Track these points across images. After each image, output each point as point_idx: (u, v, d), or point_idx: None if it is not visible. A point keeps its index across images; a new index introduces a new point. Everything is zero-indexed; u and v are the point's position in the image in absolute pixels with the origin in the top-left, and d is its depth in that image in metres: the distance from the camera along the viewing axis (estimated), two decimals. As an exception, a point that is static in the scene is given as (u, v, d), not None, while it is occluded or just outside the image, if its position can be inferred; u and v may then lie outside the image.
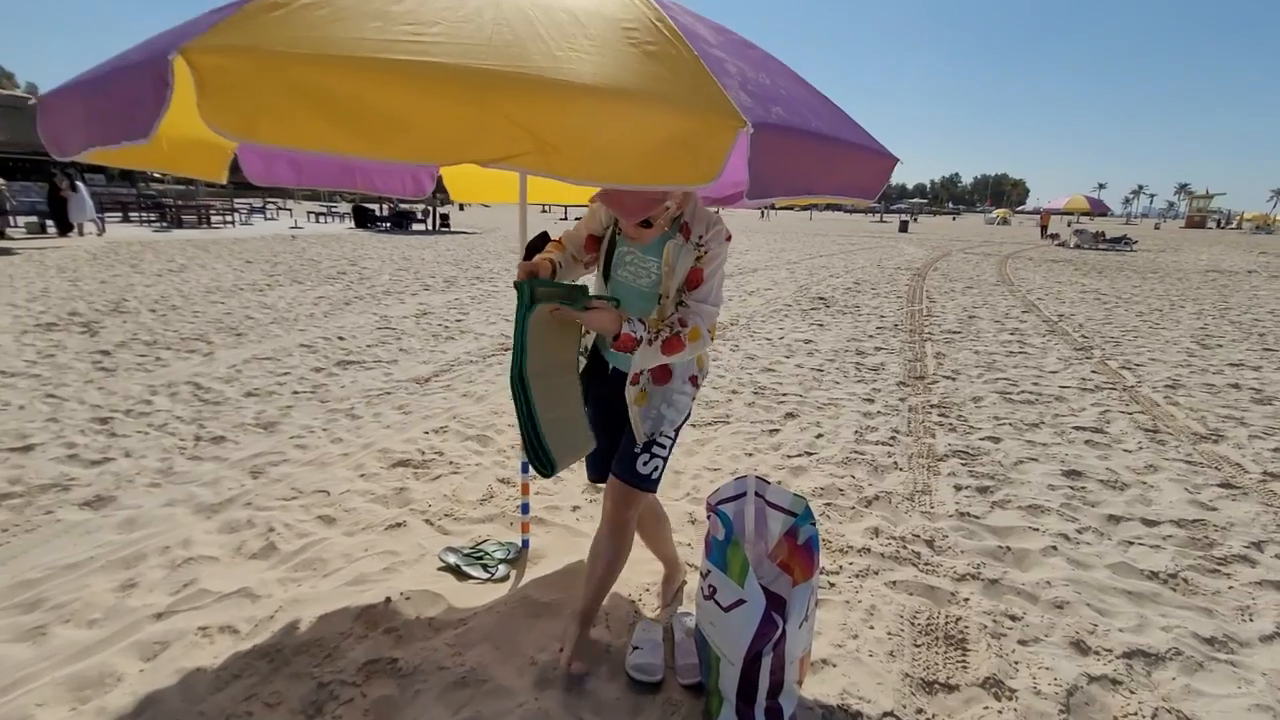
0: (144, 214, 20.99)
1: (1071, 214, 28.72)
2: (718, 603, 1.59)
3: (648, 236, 1.71)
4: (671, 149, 1.23)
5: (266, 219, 24.82)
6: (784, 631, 1.51)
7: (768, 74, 1.66)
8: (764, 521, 1.78)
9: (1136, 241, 24.10)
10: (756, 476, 1.81)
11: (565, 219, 33.24)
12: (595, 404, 1.89)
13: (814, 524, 1.67)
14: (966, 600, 2.27)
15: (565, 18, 1.35)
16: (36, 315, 6.39)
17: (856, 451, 3.60)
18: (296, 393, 4.33)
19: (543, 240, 1.93)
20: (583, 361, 1.93)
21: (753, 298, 9.26)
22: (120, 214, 20.65)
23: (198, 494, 2.87)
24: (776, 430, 3.93)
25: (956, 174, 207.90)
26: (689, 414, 1.88)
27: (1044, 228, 28.70)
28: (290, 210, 30.52)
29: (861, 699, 1.79)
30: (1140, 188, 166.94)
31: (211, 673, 1.82)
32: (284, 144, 1.14)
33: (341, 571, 2.34)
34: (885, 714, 1.74)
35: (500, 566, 2.38)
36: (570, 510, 2.84)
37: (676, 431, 1.85)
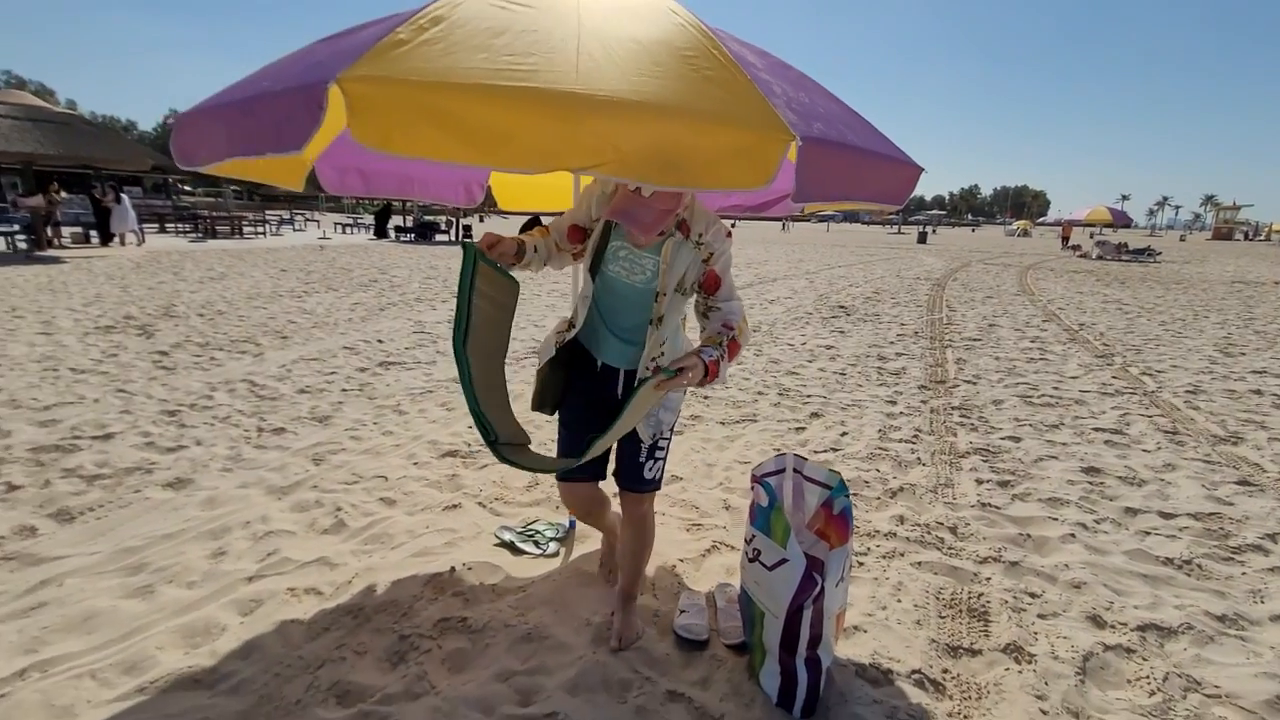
0: (179, 225, 21.74)
1: (1094, 225, 28.51)
2: (762, 563, 1.77)
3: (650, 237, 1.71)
4: (731, 158, 1.44)
5: (295, 230, 25.51)
6: (823, 588, 1.69)
7: (806, 93, 1.87)
8: (801, 494, 1.95)
9: (1160, 253, 23.89)
10: (794, 454, 1.99)
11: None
12: (581, 398, 1.93)
13: (848, 496, 1.84)
14: (988, 579, 2.42)
15: (636, 48, 1.57)
16: (94, 319, 6.76)
17: (880, 448, 3.76)
18: (345, 390, 4.59)
19: (534, 224, 2.03)
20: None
21: (774, 306, 9.43)
22: (157, 225, 21.39)
23: (267, 478, 3.11)
24: (802, 428, 4.10)
25: (976, 185, 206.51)
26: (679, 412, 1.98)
27: (1065, 239, 28.53)
28: (318, 222, 31.30)
29: (892, 659, 1.95)
30: (1165, 199, 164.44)
31: (304, 625, 2.04)
32: (413, 154, 1.36)
33: (406, 545, 2.55)
34: (914, 671, 1.90)
35: (551, 544, 2.58)
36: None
37: (672, 430, 1.96)
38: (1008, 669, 1.93)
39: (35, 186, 15.09)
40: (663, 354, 1.77)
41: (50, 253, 13.21)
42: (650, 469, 1.92)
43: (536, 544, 2.58)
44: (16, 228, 13.70)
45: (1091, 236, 29.96)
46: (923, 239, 34.84)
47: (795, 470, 1.96)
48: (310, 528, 2.67)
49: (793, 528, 1.75)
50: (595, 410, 1.87)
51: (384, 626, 2.04)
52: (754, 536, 1.83)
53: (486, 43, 1.45)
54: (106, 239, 15.43)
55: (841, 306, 9.50)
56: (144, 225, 17.75)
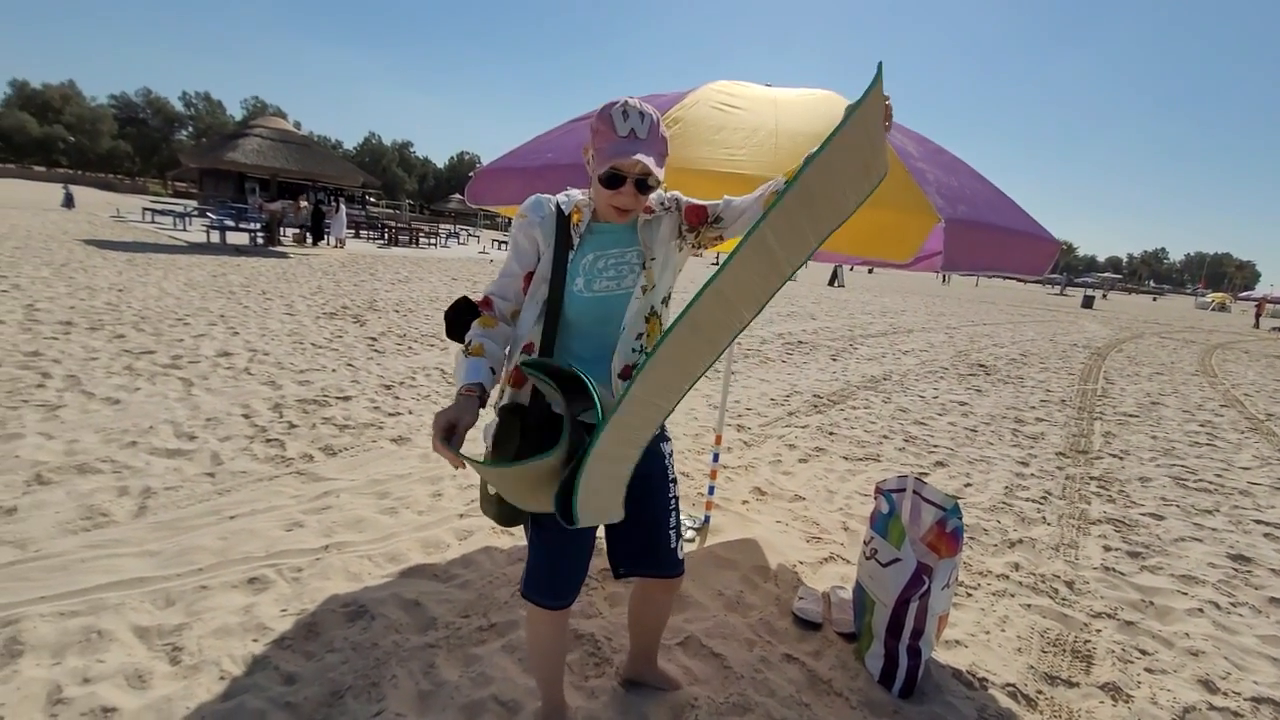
0: (370, 232, 25.25)
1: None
2: (878, 561, 2.12)
3: (625, 221, 1.47)
4: (885, 233, 1.88)
5: (459, 243, 28.55)
6: (929, 589, 2.01)
7: (956, 176, 2.26)
8: (918, 512, 2.27)
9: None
10: (915, 476, 2.32)
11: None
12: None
13: (960, 519, 2.14)
14: (1099, 631, 2.55)
15: (817, 143, 2.05)
16: (320, 306, 8.32)
17: (1005, 502, 3.85)
18: (514, 386, 5.41)
19: (464, 310, 1.50)
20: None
21: (907, 357, 9.36)
22: (353, 231, 25.00)
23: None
24: (925, 474, 4.27)
25: (1163, 249, 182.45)
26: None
27: (1259, 315, 24.81)
28: (477, 237, 34.70)
29: (988, 671, 2.20)
30: None
31: (504, 553, 2.67)
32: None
33: (573, 513, 3.15)
34: (1008, 684, 2.14)
35: (689, 531, 3.06)
36: (741, 503, 3.46)
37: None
38: (1101, 702, 2.11)
39: (275, 195, 18.39)
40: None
41: (278, 248, 16.06)
42: (680, 547, 1.70)
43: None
44: (258, 226, 16.80)
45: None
46: (1089, 303, 31.71)
47: (915, 491, 2.29)
48: (499, 487, 3.36)
49: (907, 536, 2.09)
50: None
51: (561, 565, 2.62)
52: (872, 538, 2.19)
53: (710, 137, 2.01)
54: (318, 239, 18.40)
55: (981, 365, 9.21)
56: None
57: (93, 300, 6.99)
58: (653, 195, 1.48)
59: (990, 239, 2.06)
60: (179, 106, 77.93)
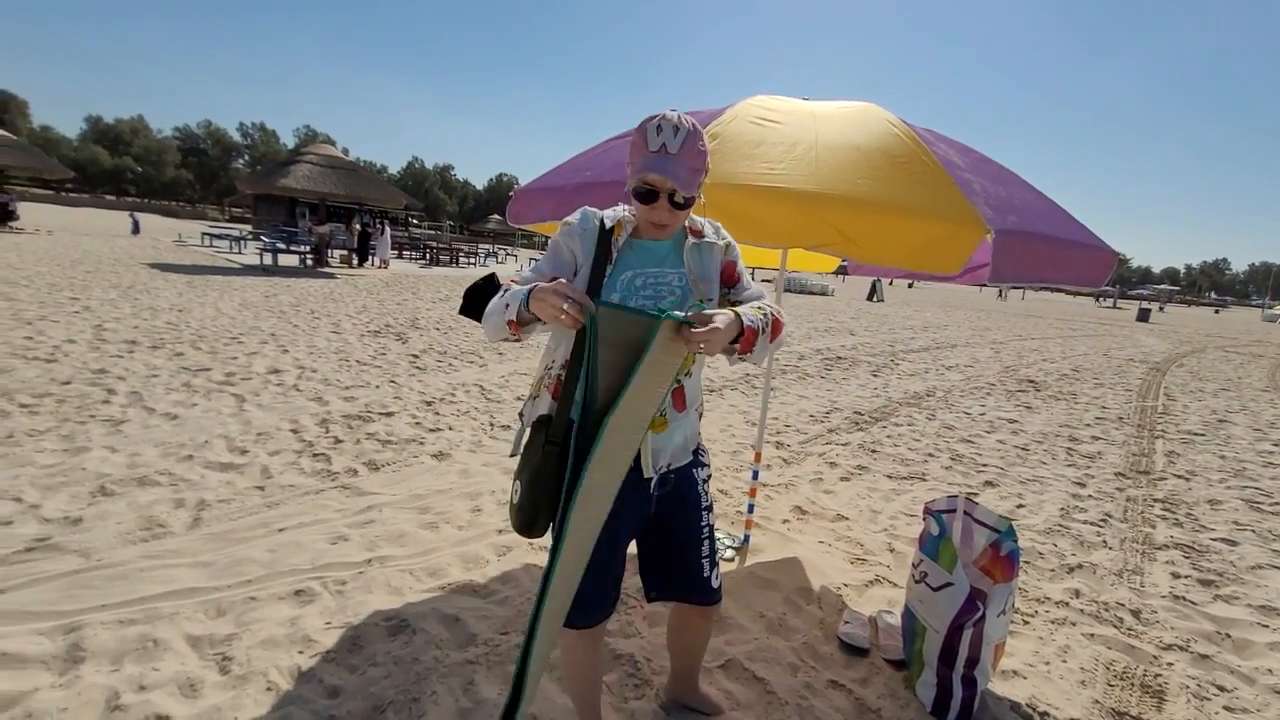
0: (412, 252, 25.98)
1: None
2: (928, 585, 2.04)
3: (664, 237, 1.47)
4: (933, 246, 1.83)
5: (498, 262, 29.12)
6: (984, 615, 1.92)
7: (1004, 186, 2.19)
8: (970, 534, 2.18)
9: None
10: (965, 496, 2.23)
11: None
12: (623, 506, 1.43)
13: (1016, 541, 2.05)
14: (1170, 665, 2.39)
15: (858, 155, 2.03)
16: (365, 324, 8.57)
17: (1061, 525, 3.67)
18: (552, 402, 5.44)
19: (486, 288, 1.50)
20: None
21: (951, 372, 9.08)
22: (396, 252, 25.78)
23: (502, 461, 3.91)
24: (974, 494, 4.10)
25: (1224, 259, 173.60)
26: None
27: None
28: (515, 256, 35.34)
29: (1050, 705, 2.08)
30: None
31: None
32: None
33: (610, 530, 3.12)
34: (1071, 719, 2.01)
35: (728, 550, 3.00)
36: (781, 522, 3.39)
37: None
38: (1178, 742, 1.96)
39: (325, 218, 19.13)
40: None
41: (325, 269, 16.65)
42: (715, 575, 1.66)
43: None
44: (307, 248, 17.47)
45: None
46: (1144, 316, 30.31)
47: (966, 512, 2.20)
48: (537, 503, 3.37)
49: (959, 559, 2.00)
50: (625, 526, 1.52)
51: (599, 583, 2.60)
52: (921, 561, 2.10)
53: (750, 152, 2.00)
54: (363, 260, 19.02)
55: (1030, 381, 8.87)
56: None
57: (155, 320, 7.35)
58: (706, 226, 1.51)
59: (1042, 250, 1.98)
60: (236, 136, 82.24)
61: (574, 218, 1.48)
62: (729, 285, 1.53)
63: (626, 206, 1.51)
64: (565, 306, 1.16)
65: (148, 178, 72.65)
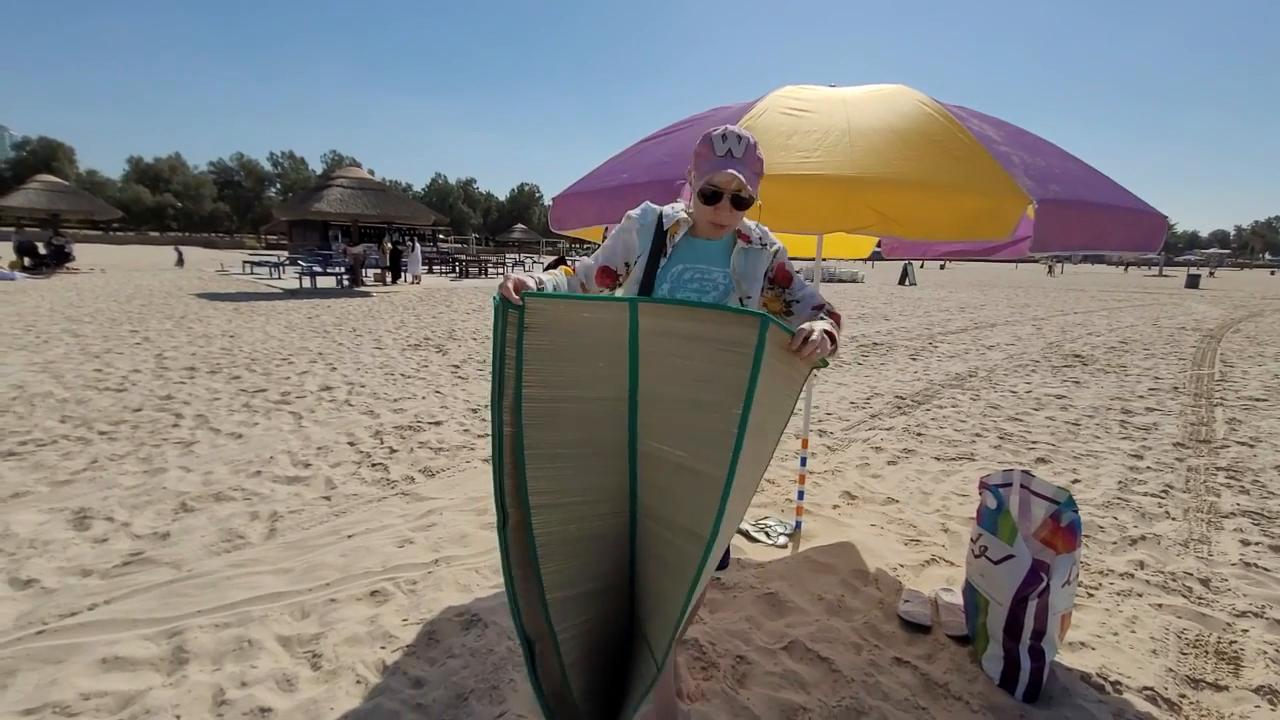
0: (442, 267, 26.49)
1: None
2: (989, 558, 2.05)
3: (719, 236, 1.58)
4: (976, 218, 1.85)
5: (525, 270, 29.42)
6: (1048, 586, 1.92)
7: (1043, 157, 2.19)
8: (1027, 507, 2.17)
9: None
10: (1021, 470, 2.22)
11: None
12: None
13: (1076, 511, 2.04)
14: (1245, 631, 2.34)
15: (893, 136, 2.05)
16: (404, 338, 8.81)
17: (1120, 498, 3.60)
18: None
19: (560, 263, 1.73)
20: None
21: (992, 352, 8.90)
22: (427, 266, 26.34)
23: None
24: (1027, 471, 4.03)
25: (1278, 218, 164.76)
26: None
27: None
28: (542, 263, 35.74)
29: (1122, 674, 2.07)
30: None
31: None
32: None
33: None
34: (1145, 688, 2.00)
35: (780, 537, 3.03)
36: (831, 507, 3.40)
37: None
38: (1258, 706, 1.93)
39: (357, 239, 19.68)
40: None
41: (361, 288, 17.12)
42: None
43: (767, 534, 3.05)
44: (342, 269, 17.99)
45: None
46: (1193, 283, 29.08)
47: (1023, 485, 2.19)
48: (589, 500, 3.45)
49: (1019, 531, 2.01)
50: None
51: (657, 573, 2.66)
52: (980, 535, 2.11)
53: (783, 142, 2.04)
54: (396, 277, 19.49)
55: (1076, 355, 8.64)
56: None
57: (209, 347, 7.70)
58: (754, 230, 1.60)
59: (1086, 217, 1.97)
60: (267, 166, 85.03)
61: (636, 211, 1.61)
62: (783, 286, 1.63)
63: (685, 206, 1.61)
64: (504, 283, 1.34)
65: (187, 212, 75.63)
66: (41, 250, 18.70)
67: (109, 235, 61.13)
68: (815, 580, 2.64)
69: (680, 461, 1.34)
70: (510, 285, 1.34)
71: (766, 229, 1.66)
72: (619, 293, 1.63)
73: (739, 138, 1.48)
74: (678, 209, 1.60)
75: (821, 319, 1.44)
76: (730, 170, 1.43)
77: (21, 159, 67.61)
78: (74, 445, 4.03)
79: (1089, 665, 2.12)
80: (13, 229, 21.75)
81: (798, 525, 3.13)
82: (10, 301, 11.56)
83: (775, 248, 1.63)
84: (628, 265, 1.60)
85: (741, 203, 1.50)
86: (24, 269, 17.82)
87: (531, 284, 1.38)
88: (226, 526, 3.00)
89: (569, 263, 1.64)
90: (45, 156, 66.25)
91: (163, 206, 72.84)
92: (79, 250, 22.89)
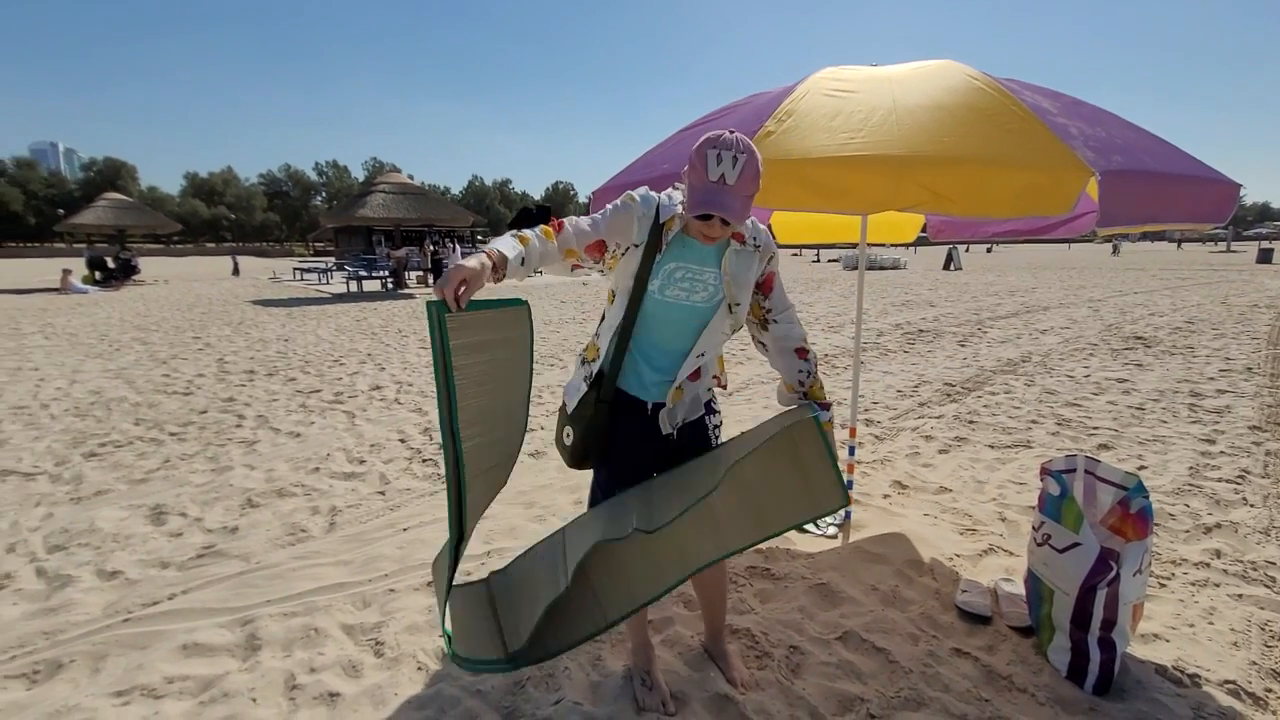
0: (481, 268, 26.89)
1: None
2: (1052, 546, 1.97)
3: (711, 242, 1.58)
4: (1032, 193, 1.78)
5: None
6: (1118, 574, 1.84)
7: (1103, 127, 2.09)
8: (1093, 494, 2.09)
9: None
10: (1086, 455, 2.13)
11: (818, 260, 33.27)
12: (631, 450, 1.71)
13: (1146, 497, 1.95)
14: (1337, 624, 2.20)
15: (941, 113, 1.99)
16: (448, 338, 9.00)
17: (1192, 484, 3.42)
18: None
19: (540, 215, 1.79)
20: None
21: (1046, 336, 8.55)
22: (467, 268, 26.83)
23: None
24: (1090, 457, 3.87)
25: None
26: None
27: None
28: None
29: (1200, 667, 1.97)
30: None
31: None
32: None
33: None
34: (1226, 681, 1.90)
35: (830, 528, 2.99)
36: (882, 497, 3.34)
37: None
38: (1355, 702, 1.81)
39: (400, 243, 20.19)
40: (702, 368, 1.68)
41: (404, 290, 17.57)
42: None
43: (817, 525, 3.01)
44: (386, 273, 18.49)
45: None
46: (1266, 257, 27.29)
47: (1088, 471, 2.11)
48: (635, 493, 3.47)
49: (1085, 518, 1.93)
50: (648, 463, 1.72)
51: (706, 564, 2.66)
52: (1043, 523, 2.04)
53: (827, 124, 2.01)
54: (438, 279, 19.89)
55: (1138, 338, 8.23)
56: (460, 268, 22.54)
57: (265, 350, 8.02)
58: (748, 229, 1.64)
59: (1153, 188, 1.88)
60: (313, 176, 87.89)
61: (640, 197, 1.59)
62: (764, 293, 1.73)
63: (680, 196, 1.59)
64: (446, 281, 1.26)
65: (240, 223, 78.99)
66: (110, 264, 19.82)
67: (170, 248, 64.36)
68: (868, 571, 2.59)
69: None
70: (452, 290, 1.24)
71: (763, 228, 1.68)
72: (612, 278, 1.67)
73: (734, 159, 1.40)
74: (675, 200, 1.59)
75: (825, 413, 1.67)
76: (714, 211, 1.42)
77: (89, 179, 71.69)
78: (148, 446, 4.27)
79: (1164, 657, 2.02)
80: (84, 245, 23.13)
81: (847, 515, 3.08)
82: (85, 313, 12.30)
83: (769, 254, 1.69)
84: (619, 246, 1.58)
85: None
86: (95, 282, 18.93)
87: (483, 271, 1.28)
88: (290, 521, 3.13)
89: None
90: (110, 175, 70.18)
91: (217, 218, 76.21)
92: (143, 263, 24.13)
